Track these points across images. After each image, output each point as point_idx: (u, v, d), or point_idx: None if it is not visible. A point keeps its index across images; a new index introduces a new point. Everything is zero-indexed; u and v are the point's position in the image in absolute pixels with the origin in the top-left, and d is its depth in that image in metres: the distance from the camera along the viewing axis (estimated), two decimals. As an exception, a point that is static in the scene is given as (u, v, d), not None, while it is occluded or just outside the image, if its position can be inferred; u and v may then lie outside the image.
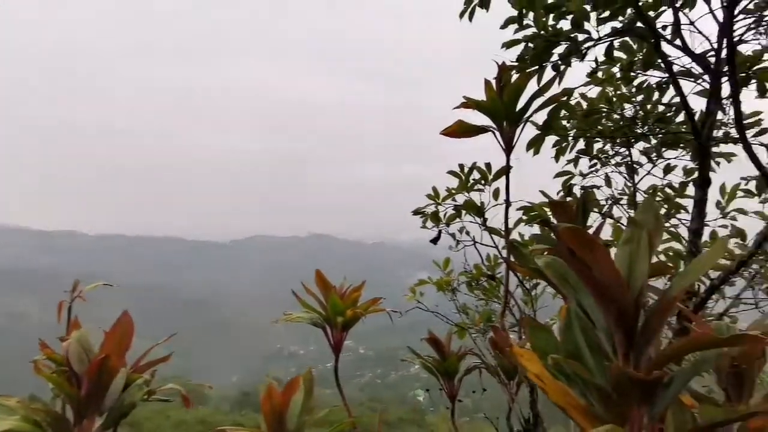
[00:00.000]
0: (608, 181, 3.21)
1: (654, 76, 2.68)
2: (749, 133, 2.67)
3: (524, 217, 2.50)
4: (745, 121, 2.69)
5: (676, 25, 2.10)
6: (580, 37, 1.90)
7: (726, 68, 2.22)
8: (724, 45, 1.90)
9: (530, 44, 2.16)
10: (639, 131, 2.48)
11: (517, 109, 1.95)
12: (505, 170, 2.14)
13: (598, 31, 1.87)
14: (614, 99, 2.64)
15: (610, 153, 3.21)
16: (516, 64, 2.33)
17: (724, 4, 1.89)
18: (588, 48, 1.94)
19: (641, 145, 3.00)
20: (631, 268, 1.09)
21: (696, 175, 2.21)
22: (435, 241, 2.62)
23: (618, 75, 2.65)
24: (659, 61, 2.48)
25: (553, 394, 1.13)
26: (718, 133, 2.65)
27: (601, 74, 2.69)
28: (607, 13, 1.77)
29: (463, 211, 2.61)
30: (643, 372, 1.01)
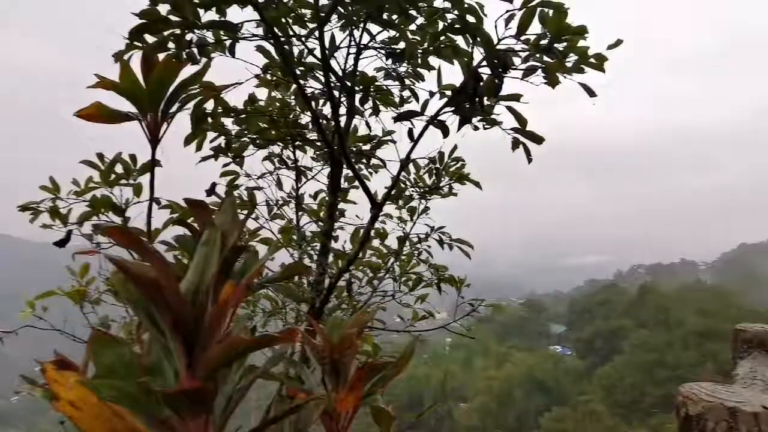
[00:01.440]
0: (279, 184, 3.31)
1: (313, 87, 2.87)
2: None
3: (173, 217, 2.32)
4: (382, 138, 3.14)
5: (321, 42, 2.24)
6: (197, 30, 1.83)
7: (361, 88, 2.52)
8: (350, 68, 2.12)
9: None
10: (279, 135, 2.59)
11: (166, 99, 1.78)
12: (151, 165, 1.92)
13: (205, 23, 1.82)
14: (275, 103, 2.71)
15: (282, 155, 3.33)
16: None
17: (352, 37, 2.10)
18: (196, 40, 1.88)
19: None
20: (203, 270, 1.00)
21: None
22: (62, 243, 2.20)
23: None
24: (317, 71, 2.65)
25: (89, 422, 0.94)
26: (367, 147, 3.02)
27: (268, 76, 2.73)
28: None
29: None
30: (200, 381, 0.92)
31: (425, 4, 1.77)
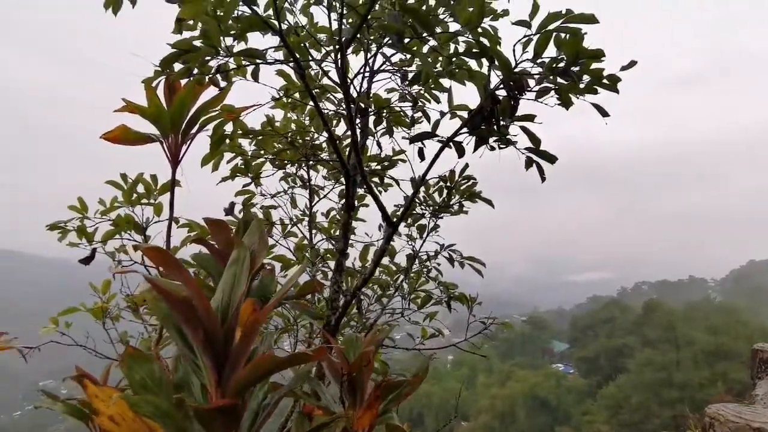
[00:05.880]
0: (293, 202, 3.36)
1: (327, 109, 2.93)
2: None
3: (191, 235, 2.37)
4: (393, 157, 3.19)
5: (339, 66, 2.30)
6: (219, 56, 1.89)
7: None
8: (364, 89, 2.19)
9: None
10: (296, 155, 2.65)
11: (186, 121, 1.83)
12: (171, 184, 1.98)
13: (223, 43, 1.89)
14: (291, 124, 2.77)
15: (297, 175, 3.39)
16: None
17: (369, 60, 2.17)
18: (222, 64, 1.94)
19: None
20: (233, 290, 1.02)
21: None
22: (87, 261, 2.25)
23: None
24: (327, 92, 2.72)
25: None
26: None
27: (286, 98, 2.80)
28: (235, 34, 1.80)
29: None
30: (229, 398, 0.95)
31: (442, 30, 1.83)
